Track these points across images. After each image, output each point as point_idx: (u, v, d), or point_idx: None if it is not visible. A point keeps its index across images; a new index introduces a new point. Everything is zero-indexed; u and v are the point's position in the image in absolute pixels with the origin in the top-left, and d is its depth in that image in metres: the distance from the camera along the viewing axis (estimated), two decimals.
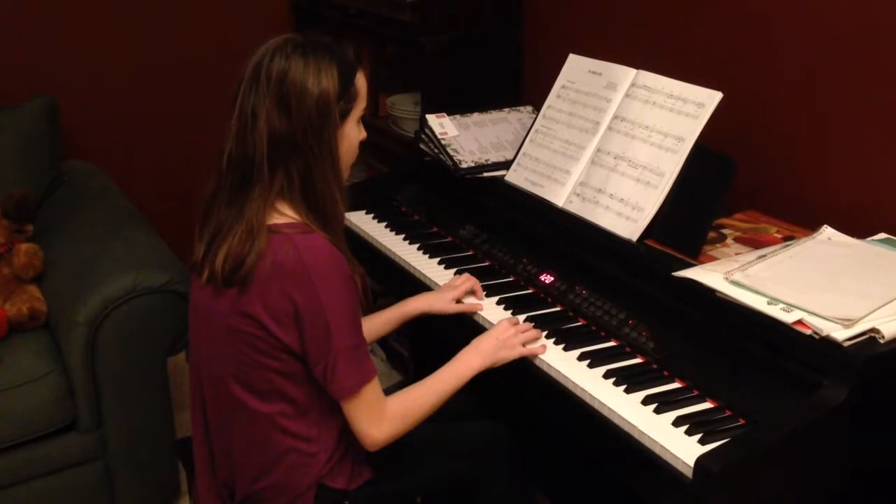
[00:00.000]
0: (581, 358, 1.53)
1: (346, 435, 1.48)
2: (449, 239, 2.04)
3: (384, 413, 1.42)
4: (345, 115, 1.42)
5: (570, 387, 1.48)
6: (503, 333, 1.58)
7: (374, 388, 1.42)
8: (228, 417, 1.47)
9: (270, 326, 1.36)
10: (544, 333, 1.61)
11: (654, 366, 1.51)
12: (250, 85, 1.37)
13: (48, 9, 2.71)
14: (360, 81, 1.45)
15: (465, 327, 1.70)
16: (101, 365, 1.99)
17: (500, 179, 2.02)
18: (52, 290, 2.15)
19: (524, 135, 2.03)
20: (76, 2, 2.74)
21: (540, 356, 1.55)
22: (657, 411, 1.38)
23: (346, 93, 1.41)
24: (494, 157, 2.11)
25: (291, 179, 1.38)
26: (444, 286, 1.77)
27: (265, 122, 1.35)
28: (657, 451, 1.30)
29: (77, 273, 2.10)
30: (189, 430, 1.58)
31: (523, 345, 1.57)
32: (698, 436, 1.30)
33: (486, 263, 1.91)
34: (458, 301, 1.73)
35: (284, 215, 1.39)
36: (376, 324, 1.73)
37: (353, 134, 1.45)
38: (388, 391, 1.50)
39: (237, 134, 1.38)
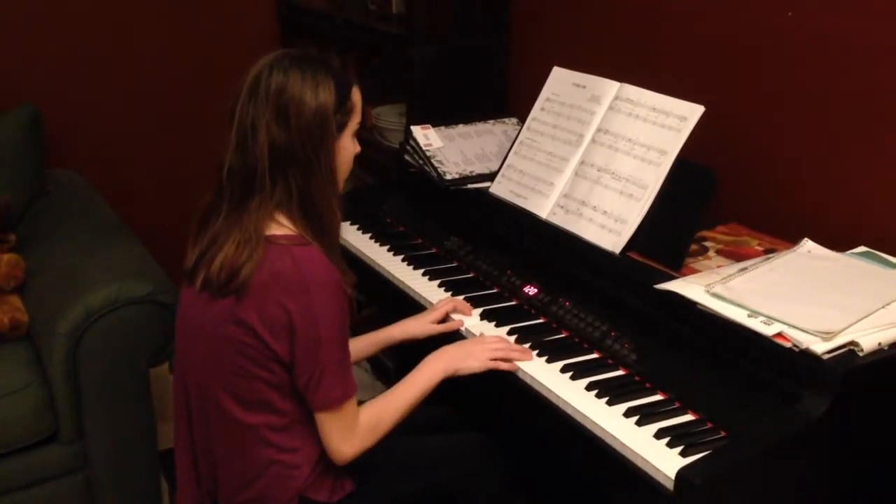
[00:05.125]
0: (564, 370, 1.54)
1: None
2: (433, 250, 2.04)
3: (356, 429, 1.44)
4: (342, 127, 1.44)
5: (552, 398, 1.48)
6: (474, 345, 1.59)
7: (353, 404, 1.43)
8: (214, 427, 1.47)
9: (264, 335, 1.37)
10: (528, 345, 1.62)
11: (637, 378, 1.51)
12: (249, 98, 1.39)
13: (32, 17, 2.70)
14: (356, 96, 1.47)
15: (450, 339, 1.70)
16: (83, 376, 1.98)
17: (485, 191, 2.03)
18: (34, 300, 2.14)
19: (509, 147, 2.04)
20: (60, 10, 2.74)
21: (523, 367, 1.55)
22: (639, 423, 1.38)
23: (343, 106, 1.43)
24: (479, 169, 2.11)
25: (290, 190, 1.40)
26: (425, 311, 1.77)
27: (266, 134, 1.37)
28: (639, 463, 1.31)
29: (59, 283, 2.09)
30: (171, 442, 1.57)
31: (494, 359, 1.56)
32: (679, 448, 1.31)
33: (471, 275, 1.91)
34: (441, 321, 1.74)
35: (282, 226, 1.41)
36: (355, 349, 1.73)
37: (348, 147, 1.48)
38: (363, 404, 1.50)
39: (237, 146, 1.40)
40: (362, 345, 1.75)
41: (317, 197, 1.41)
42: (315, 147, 1.39)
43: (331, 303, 1.37)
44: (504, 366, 1.56)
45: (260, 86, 1.38)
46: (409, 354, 2.42)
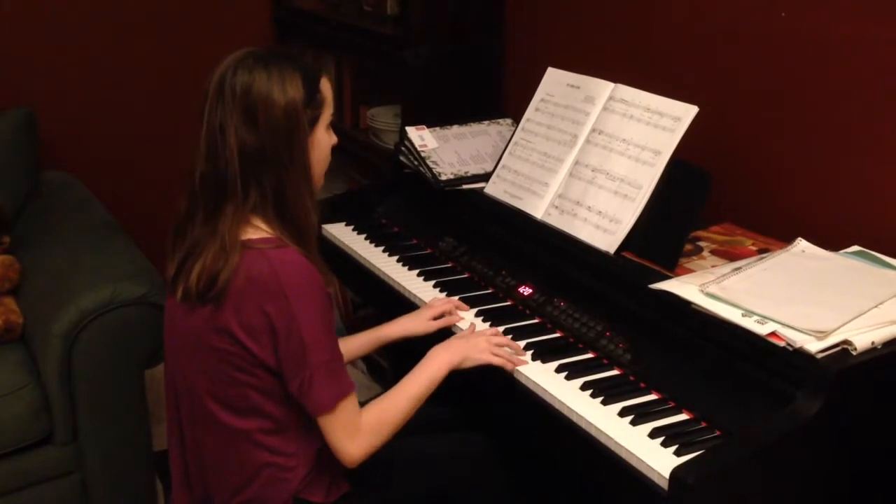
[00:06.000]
0: (559, 370, 1.54)
1: (326, 449, 1.47)
2: (428, 251, 2.04)
3: (360, 428, 1.41)
4: (314, 122, 1.42)
5: (547, 398, 1.48)
6: (476, 337, 1.59)
7: (351, 403, 1.41)
8: (205, 432, 1.47)
9: (245, 341, 1.36)
10: (522, 344, 1.62)
11: (631, 377, 1.51)
12: (216, 101, 1.36)
13: (26, 19, 2.70)
14: (326, 87, 1.44)
15: (445, 337, 1.69)
16: (78, 377, 1.97)
17: (480, 192, 2.03)
18: (28, 301, 2.14)
19: (503, 147, 2.05)
20: (55, 12, 2.73)
21: (518, 368, 1.55)
22: (633, 423, 1.38)
23: (313, 100, 1.41)
24: (474, 170, 2.12)
25: (265, 195, 1.38)
26: (422, 308, 1.77)
27: (235, 138, 1.35)
28: (633, 462, 1.31)
29: (54, 285, 2.08)
30: (166, 443, 1.57)
31: (497, 354, 1.56)
32: (674, 447, 1.31)
33: (465, 275, 1.91)
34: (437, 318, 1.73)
35: (259, 229, 1.39)
36: (352, 346, 1.73)
37: (323, 140, 1.45)
38: (367, 403, 1.50)
39: (207, 152, 1.37)
40: (358, 343, 1.75)
41: (291, 198, 1.39)
42: (288, 146, 1.37)
43: (310, 305, 1.35)
44: (508, 365, 1.56)
45: (225, 87, 1.36)
46: (405, 354, 2.43)
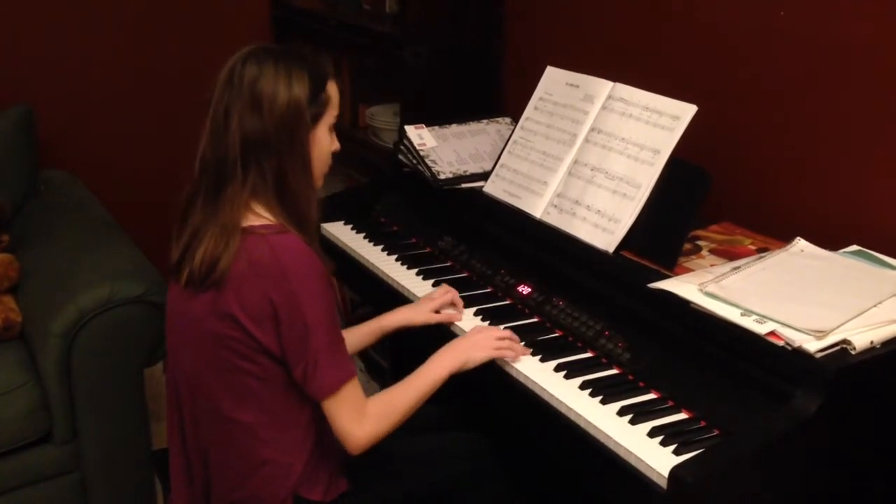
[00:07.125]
0: (557, 369, 1.54)
1: (323, 446, 1.48)
2: (427, 250, 2.04)
3: (366, 412, 1.42)
4: (316, 118, 1.44)
5: (545, 397, 1.48)
6: (477, 334, 1.59)
7: (354, 387, 1.42)
8: (205, 427, 1.47)
9: (248, 326, 1.37)
10: (521, 344, 1.62)
11: (630, 376, 1.51)
12: (224, 88, 1.40)
13: (25, 17, 2.69)
14: (332, 89, 1.47)
15: (443, 338, 1.70)
16: (77, 376, 1.98)
17: (479, 190, 2.03)
18: (27, 300, 2.14)
19: (502, 146, 2.05)
20: (53, 10, 2.73)
21: (517, 367, 1.55)
22: (633, 422, 1.38)
23: (317, 98, 1.43)
24: (473, 169, 2.12)
25: (265, 179, 1.40)
26: (423, 298, 1.77)
27: (238, 123, 1.37)
28: (632, 461, 1.31)
29: (53, 283, 2.08)
30: (165, 442, 1.57)
31: (499, 349, 1.56)
32: (673, 446, 1.31)
33: (464, 274, 1.91)
34: (438, 311, 1.74)
35: (260, 216, 1.41)
36: (354, 337, 1.74)
37: (324, 140, 1.47)
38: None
39: (210, 135, 1.41)
40: (359, 334, 1.75)
41: (293, 184, 1.41)
42: (290, 134, 1.39)
43: (313, 289, 1.37)
44: (509, 354, 1.56)
45: (234, 76, 1.39)
46: (405, 354, 2.43)
